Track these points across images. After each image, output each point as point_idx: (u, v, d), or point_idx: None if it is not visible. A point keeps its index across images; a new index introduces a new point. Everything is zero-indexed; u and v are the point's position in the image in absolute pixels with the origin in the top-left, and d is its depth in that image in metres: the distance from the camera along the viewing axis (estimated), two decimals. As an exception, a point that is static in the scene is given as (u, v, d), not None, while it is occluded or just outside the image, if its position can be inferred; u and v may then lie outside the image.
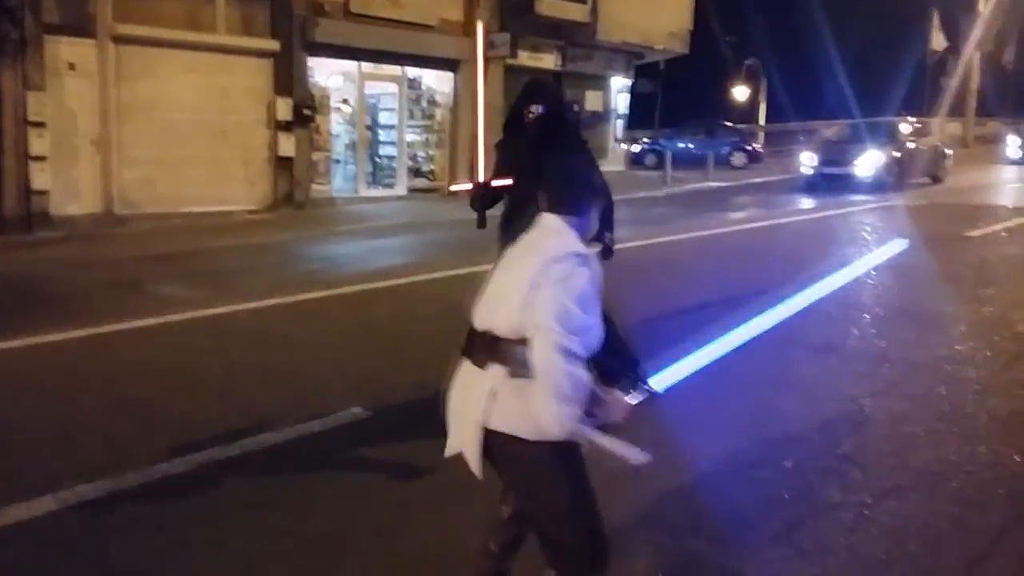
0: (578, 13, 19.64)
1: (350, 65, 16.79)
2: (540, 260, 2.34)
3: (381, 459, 4.30)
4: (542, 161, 3.90)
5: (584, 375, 2.28)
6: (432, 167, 18.93)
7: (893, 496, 3.86)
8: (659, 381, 2.59)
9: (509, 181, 4.64)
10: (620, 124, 23.58)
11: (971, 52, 32.64)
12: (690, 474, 4.13)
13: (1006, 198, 18.10)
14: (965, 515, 3.68)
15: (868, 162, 18.23)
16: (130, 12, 12.99)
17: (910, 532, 3.53)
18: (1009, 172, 23.73)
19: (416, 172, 18.66)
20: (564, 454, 2.39)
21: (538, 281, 2.30)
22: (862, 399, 5.13)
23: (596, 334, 2.39)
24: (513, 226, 4.65)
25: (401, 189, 17.93)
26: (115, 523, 3.59)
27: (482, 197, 4.75)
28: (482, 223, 4.87)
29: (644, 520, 3.65)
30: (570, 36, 20.20)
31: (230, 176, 14.34)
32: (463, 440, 2.48)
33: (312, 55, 15.56)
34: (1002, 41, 37.14)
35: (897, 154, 18.57)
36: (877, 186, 17.74)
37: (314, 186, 16.06)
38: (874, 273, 9.26)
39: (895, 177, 18.27)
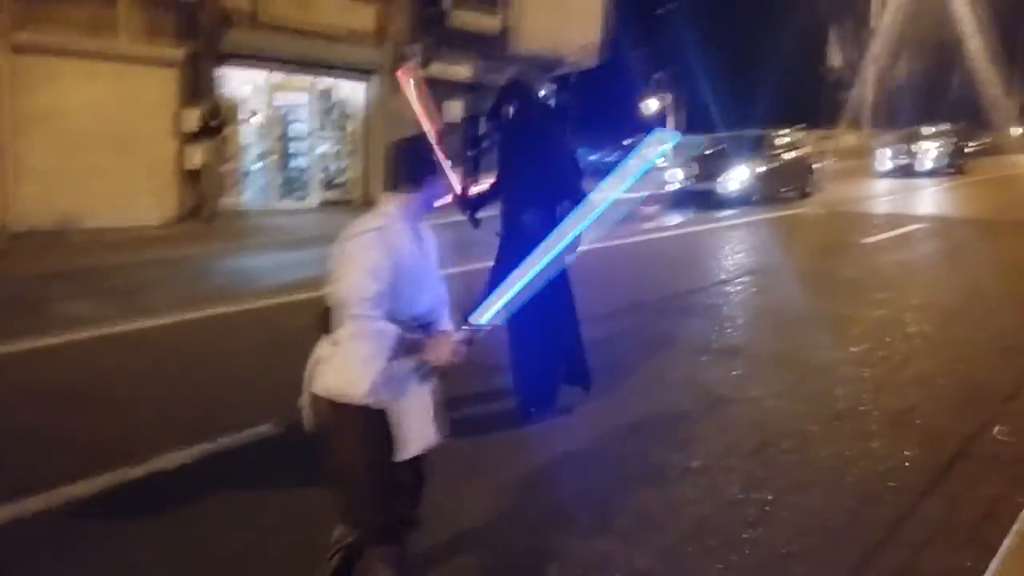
0: (490, 25, 19.82)
1: (260, 74, 16.55)
2: (345, 237, 2.57)
3: (293, 475, 4.25)
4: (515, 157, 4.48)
5: (383, 337, 2.48)
6: (345, 178, 18.77)
7: (793, 491, 4.03)
8: (481, 315, 2.69)
9: (483, 186, 5.06)
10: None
11: (867, 66, 34.21)
12: (600, 476, 4.24)
13: (880, 208, 18.85)
14: (861, 508, 3.88)
15: (733, 177, 18.08)
16: (29, 20, 12.49)
17: (809, 525, 3.70)
18: (882, 184, 24.00)
19: (329, 183, 18.47)
20: (368, 422, 2.56)
21: (342, 256, 2.54)
22: (764, 400, 5.35)
23: (412, 300, 2.60)
24: (504, 219, 4.96)
25: (314, 201, 17.73)
26: (16, 547, 3.48)
27: (463, 204, 5.06)
28: (476, 224, 5.19)
29: (555, 522, 3.73)
30: (483, 48, 20.33)
31: (135, 189, 13.91)
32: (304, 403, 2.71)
33: (221, 64, 15.27)
34: (895, 55, 39.05)
35: (763, 168, 18.47)
36: (743, 201, 17.66)
37: (224, 199, 15.72)
38: (768, 280, 9.62)
39: (760, 192, 18.17)
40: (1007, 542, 3.42)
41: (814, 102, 34.90)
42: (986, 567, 3.24)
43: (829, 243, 12.66)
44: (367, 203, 17.80)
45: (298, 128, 17.87)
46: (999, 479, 4.15)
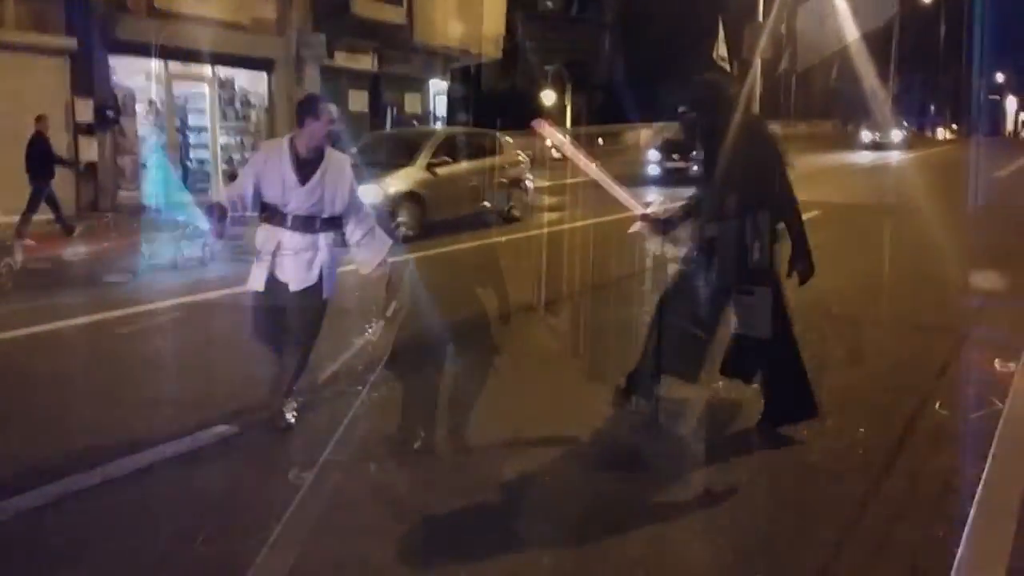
0: (394, 15, 19.55)
1: (156, 64, 15.84)
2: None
3: (256, 475, 4.09)
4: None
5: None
6: (249, 170, 18.18)
7: (764, 473, 4.13)
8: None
9: (673, 205, 5.08)
10: (439, 127, 23.65)
11: (753, 59, 35.37)
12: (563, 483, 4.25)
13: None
14: (828, 486, 4.00)
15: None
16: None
17: (783, 505, 3.82)
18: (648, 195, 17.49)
19: (231, 176, 17.82)
20: None
21: None
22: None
23: (267, 190, 4.37)
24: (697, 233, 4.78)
25: (216, 194, 17.13)
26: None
27: (655, 223, 4.90)
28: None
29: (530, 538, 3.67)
30: (386, 38, 20.05)
31: (26, 183, 13.07)
32: None
33: (114, 53, 14.55)
34: (779, 48, 40.57)
35: (419, 190, 12.13)
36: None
37: (121, 192, 15.01)
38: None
39: (415, 219, 11.92)
40: (972, 513, 3.57)
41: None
42: (956, 538, 3.36)
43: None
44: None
45: (197, 118, 17.22)
46: (948, 453, 4.35)
